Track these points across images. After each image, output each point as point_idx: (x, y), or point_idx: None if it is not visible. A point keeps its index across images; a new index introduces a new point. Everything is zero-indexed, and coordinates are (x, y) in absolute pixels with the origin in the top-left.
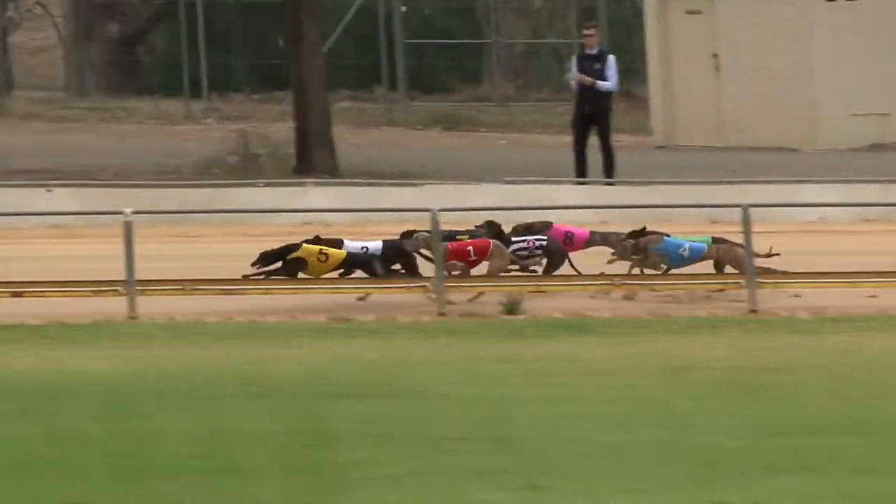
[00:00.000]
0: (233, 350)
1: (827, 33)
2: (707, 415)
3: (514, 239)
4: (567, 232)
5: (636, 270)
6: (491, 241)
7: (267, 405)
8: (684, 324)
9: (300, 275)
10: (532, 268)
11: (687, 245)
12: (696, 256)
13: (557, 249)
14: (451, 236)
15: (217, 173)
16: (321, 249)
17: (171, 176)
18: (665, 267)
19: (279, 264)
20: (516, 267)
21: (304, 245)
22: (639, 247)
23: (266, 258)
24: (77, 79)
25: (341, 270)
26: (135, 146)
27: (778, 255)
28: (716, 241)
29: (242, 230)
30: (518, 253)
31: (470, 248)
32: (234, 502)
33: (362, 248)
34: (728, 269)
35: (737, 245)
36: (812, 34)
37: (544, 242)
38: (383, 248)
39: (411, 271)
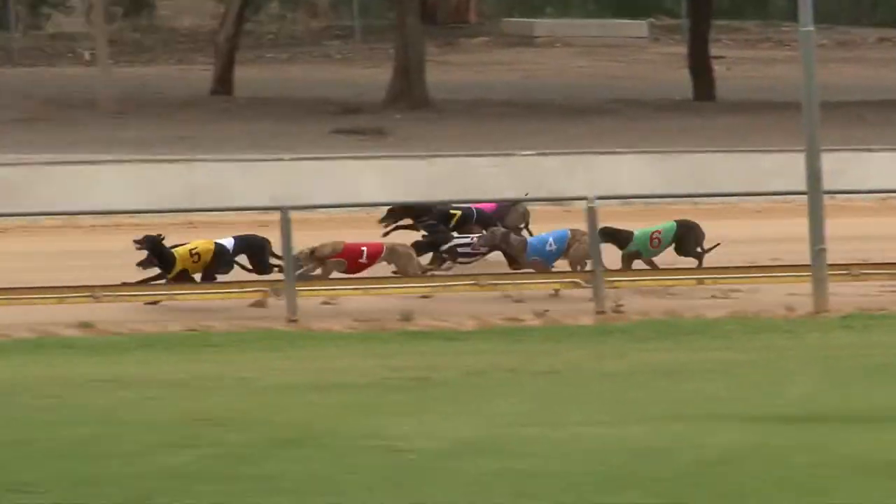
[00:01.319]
0: None
1: None
2: None
3: (456, 239)
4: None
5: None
6: (384, 243)
7: None
8: None
9: None
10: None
11: (552, 238)
12: (564, 248)
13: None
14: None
15: None
16: (191, 250)
17: None
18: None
19: (157, 270)
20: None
21: (177, 251)
22: (501, 237)
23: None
24: None
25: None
26: None
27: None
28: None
29: None
30: (461, 257)
31: (363, 248)
32: None
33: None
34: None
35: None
36: None
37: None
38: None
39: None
